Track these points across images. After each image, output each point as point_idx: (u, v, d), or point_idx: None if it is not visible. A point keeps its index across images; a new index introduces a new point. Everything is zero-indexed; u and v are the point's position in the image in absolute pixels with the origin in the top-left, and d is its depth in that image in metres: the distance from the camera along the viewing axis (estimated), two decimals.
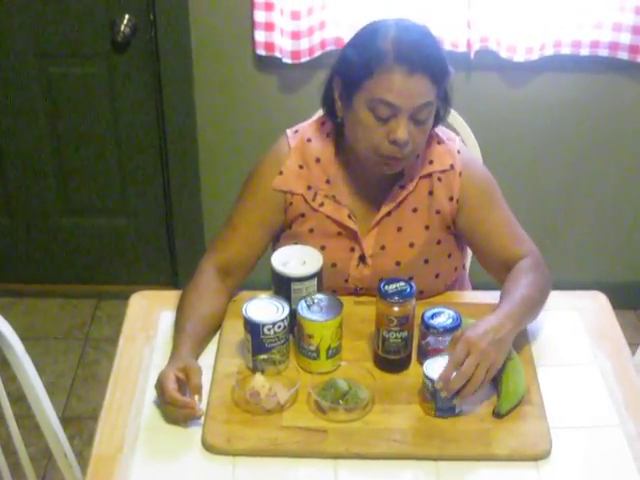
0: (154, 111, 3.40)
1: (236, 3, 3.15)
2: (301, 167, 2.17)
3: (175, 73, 3.29)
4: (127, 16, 3.19)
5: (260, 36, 3.11)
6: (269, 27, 3.08)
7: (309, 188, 2.17)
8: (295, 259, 2.03)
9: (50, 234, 3.70)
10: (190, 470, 1.80)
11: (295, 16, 3.03)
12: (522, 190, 3.47)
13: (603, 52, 3.13)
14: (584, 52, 3.14)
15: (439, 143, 2.17)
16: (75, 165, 3.54)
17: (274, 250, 2.10)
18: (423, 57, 1.97)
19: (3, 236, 3.71)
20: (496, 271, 2.19)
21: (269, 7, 3.04)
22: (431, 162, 2.16)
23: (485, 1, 3.05)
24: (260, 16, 3.06)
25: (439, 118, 2.12)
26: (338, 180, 2.17)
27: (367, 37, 2.04)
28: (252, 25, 3.12)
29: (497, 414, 1.87)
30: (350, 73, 2.03)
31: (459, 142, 2.22)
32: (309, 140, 2.18)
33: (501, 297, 2.04)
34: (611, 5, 3.06)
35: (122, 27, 3.18)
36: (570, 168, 3.45)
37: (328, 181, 2.16)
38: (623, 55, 3.11)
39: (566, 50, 3.14)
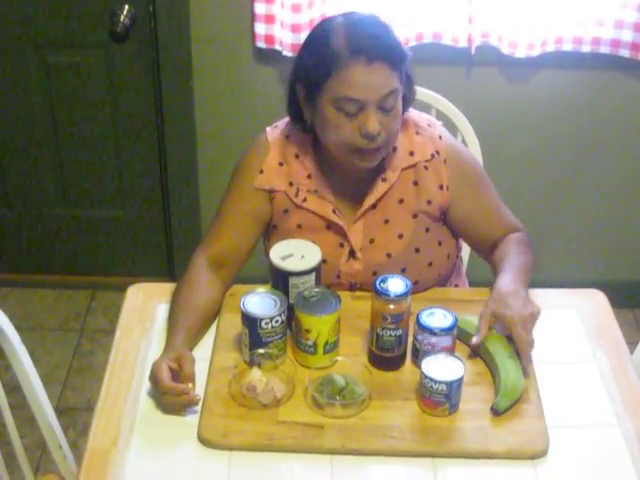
0: (152, 102, 3.39)
1: None
2: (281, 164, 2.17)
3: (174, 65, 3.28)
4: (127, 7, 3.16)
5: (260, 28, 3.10)
6: (269, 19, 3.06)
7: (291, 184, 2.17)
8: (293, 253, 2.03)
9: (47, 225, 3.69)
10: (185, 464, 1.80)
11: (296, 9, 3.02)
12: (521, 186, 3.46)
13: (605, 49, 3.12)
14: (585, 49, 3.13)
15: (417, 133, 2.17)
16: (72, 156, 3.52)
17: (266, 249, 2.10)
18: (378, 46, 1.98)
19: (0, 226, 3.70)
20: (487, 253, 2.25)
21: None
22: (412, 154, 2.16)
23: None
24: (260, 8, 3.05)
25: (407, 102, 2.12)
26: (319, 175, 2.16)
27: (319, 39, 2.04)
28: (252, 17, 3.10)
29: (495, 411, 1.87)
30: (310, 77, 2.03)
31: (440, 127, 2.23)
32: (287, 137, 2.18)
33: (502, 262, 2.13)
34: (613, 2, 3.05)
35: (122, 17, 3.16)
36: (570, 165, 3.44)
37: (309, 176, 2.16)
38: (624, 52, 3.10)
39: (567, 47, 3.13)
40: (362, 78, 1.96)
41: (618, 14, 3.05)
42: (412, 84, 2.12)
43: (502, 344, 1.96)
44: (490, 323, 1.96)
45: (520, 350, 1.93)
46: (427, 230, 2.20)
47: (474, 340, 1.96)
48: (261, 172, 2.17)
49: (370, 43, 1.97)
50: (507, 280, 2.05)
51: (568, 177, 3.47)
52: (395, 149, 2.14)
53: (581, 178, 3.47)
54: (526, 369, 1.93)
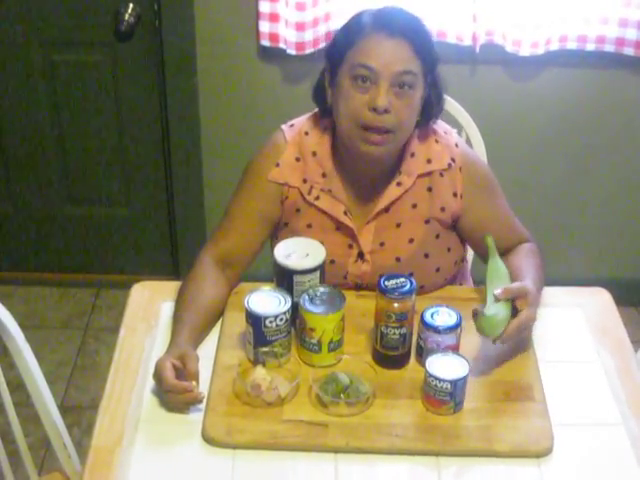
0: (157, 101, 3.39)
1: None
2: (298, 160, 2.17)
3: (179, 63, 3.28)
4: (131, 5, 3.17)
5: (264, 27, 3.09)
6: (274, 18, 3.06)
7: (305, 181, 2.16)
8: (298, 251, 2.02)
9: (51, 223, 3.69)
10: (190, 462, 1.80)
11: (300, 7, 3.02)
12: (526, 185, 3.46)
13: (609, 47, 3.12)
14: (590, 47, 3.13)
15: (437, 142, 2.16)
16: (77, 154, 3.53)
17: (273, 248, 2.10)
18: (403, 24, 2.03)
19: (5, 225, 3.70)
20: None
21: None
22: (429, 161, 2.15)
23: None
24: (265, 7, 3.05)
25: (432, 112, 2.12)
26: (334, 175, 2.15)
27: (351, 18, 2.10)
28: (257, 16, 3.10)
29: (475, 314, 1.89)
30: (334, 50, 2.08)
31: (456, 134, 2.23)
32: (306, 133, 2.17)
33: (522, 270, 2.08)
34: (617, 0, 3.04)
35: (126, 16, 3.17)
36: (574, 163, 3.44)
37: (324, 175, 2.15)
38: (629, 51, 3.10)
39: (572, 45, 3.13)
40: (379, 48, 1.99)
41: (622, 12, 3.05)
42: (440, 93, 2.13)
43: (509, 309, 1.93)
44: (515, 295, 1.94)
45: (506, 332, 1.91)
46: (437, 236, 2.19)
47: (496, 292, 1.93)
48: (277, 165, 2.16)
49: (395, 19, 2.03)
50: (533, 287, 2.01)
51: (573, 175, 3.47)
52: (413, 154, 2.14)
53: (586, 175, 3.47)
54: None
